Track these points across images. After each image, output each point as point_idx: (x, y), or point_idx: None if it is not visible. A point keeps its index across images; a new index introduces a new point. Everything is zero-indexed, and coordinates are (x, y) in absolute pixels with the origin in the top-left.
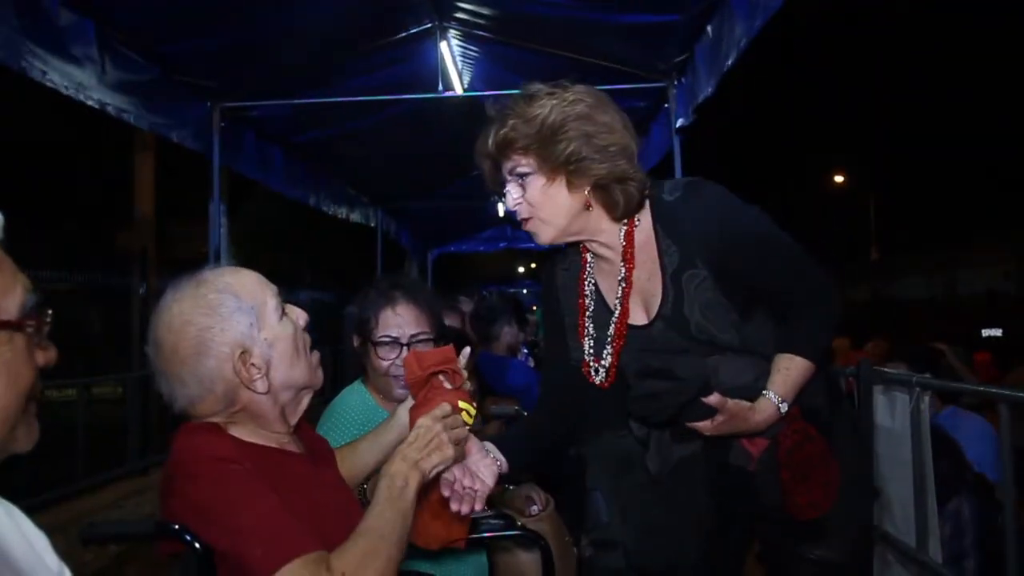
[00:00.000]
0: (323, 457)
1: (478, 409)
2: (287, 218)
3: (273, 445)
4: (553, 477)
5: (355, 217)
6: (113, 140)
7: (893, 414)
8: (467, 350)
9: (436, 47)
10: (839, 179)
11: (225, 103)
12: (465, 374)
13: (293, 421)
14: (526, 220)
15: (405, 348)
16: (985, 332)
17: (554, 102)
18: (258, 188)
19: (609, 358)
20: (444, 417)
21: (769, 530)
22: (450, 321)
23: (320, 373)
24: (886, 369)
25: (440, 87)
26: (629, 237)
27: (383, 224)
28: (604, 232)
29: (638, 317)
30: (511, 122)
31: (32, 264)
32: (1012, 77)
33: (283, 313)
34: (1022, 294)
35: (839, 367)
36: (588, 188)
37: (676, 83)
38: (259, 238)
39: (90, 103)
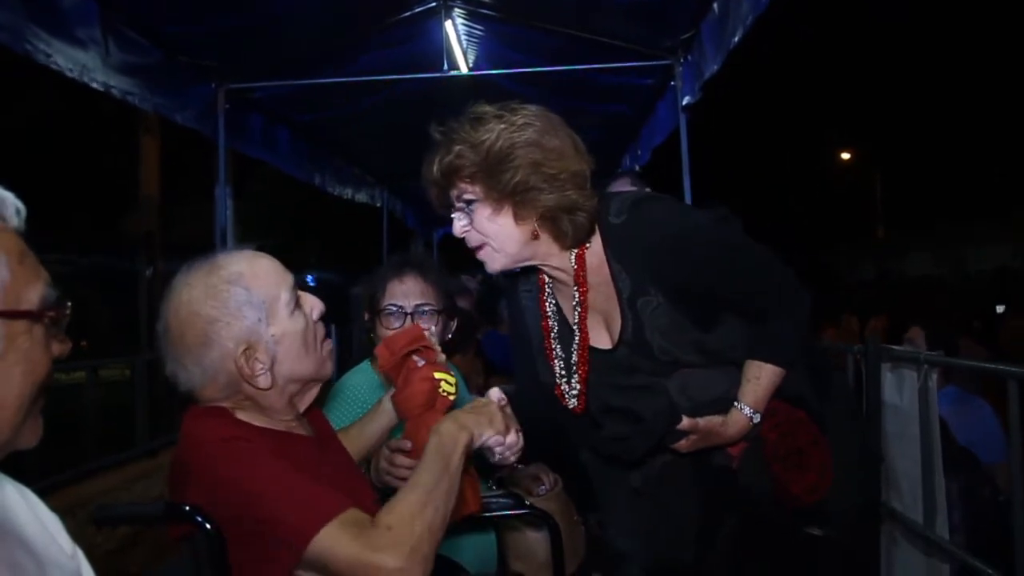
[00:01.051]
0: (331, 439)
1: (484, 387)
2: (293, 198)
3: (280, 429)
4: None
5: (360, 197)
6: (118, 124)
7: (901, 392)
8: (432, 328)
9: (441, 26)
10: (846, 156)
11: (230, 84)
12: (438, 347)
13: (302, 409)
14: (476, 248)
15: (409, 318)
16: (999, 308)
17: (501, 127)
18: (264, 169)
19: (578, 385)
20: (502, 408)
21: (770, 512)
22: (462, 303)
23: (330, 365)
24: (894, 347)
25: (445, 66)
26: (580, 260)
27: (388, 204)
28: (555, 257)
29: (602, 340)
30: (457, 148)
31: (38, 248)
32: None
33: (296, 305)
34: None
35: (846, 344)
36: (535, 218)
37: (682, 60)
38: (265, 219)
39: (94, 85)
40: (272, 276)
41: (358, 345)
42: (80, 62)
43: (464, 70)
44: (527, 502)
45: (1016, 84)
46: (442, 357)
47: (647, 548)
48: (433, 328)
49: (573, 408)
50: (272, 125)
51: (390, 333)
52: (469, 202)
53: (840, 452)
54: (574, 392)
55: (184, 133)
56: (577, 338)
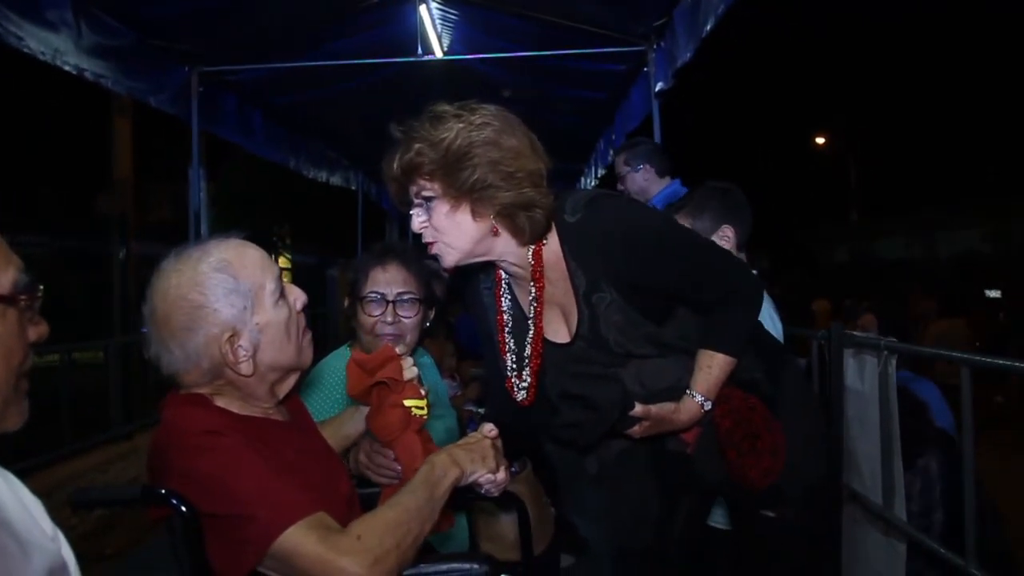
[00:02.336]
0: (308, 425)
1: (458, 372)
2: (268, 181)
3: (258, 415)
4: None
5: (336, 180)
6: (90, 105)
7: (862, 376)
8: (413, 316)
9: (415, 11)
10: (820, 141)
11: (203, 67)
12: (408, 362)
13: (281, 396)
14: (431, 244)
15: (391, 305)
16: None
17: (460, 126)
18: (238, 151)
19: (528, 378)
20: (495, 445)
21: (726, 495)
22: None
23: (309, 353)
24: (856, 333)
25: (420, 51)
26: (537, 256)
27: (364, 187)
28: (513, 253)
29: (560, 334)
30: (416, 146)
31: (11, 230)
32: (996, 42)
33: (281, 295)
34: (997, 256)
35: (815, 331)
36: (493, 215)
37: (655, 47)
38: (239, 201)
39: (67, 68)
40: (259, 266)
41: (336, 329)
42: (53, 45)
43: (439, 55)
44: None
45: (989, 72)
46: (413, 372)
47: (610, 533)
48: (413, 316)
49: (522, 401)
50: (246, 108)
51: (371, 320)
52: (428, 199)
53: (793, 435)
54: (524, 385)
55: (158, 114)
56: (531, 332)
